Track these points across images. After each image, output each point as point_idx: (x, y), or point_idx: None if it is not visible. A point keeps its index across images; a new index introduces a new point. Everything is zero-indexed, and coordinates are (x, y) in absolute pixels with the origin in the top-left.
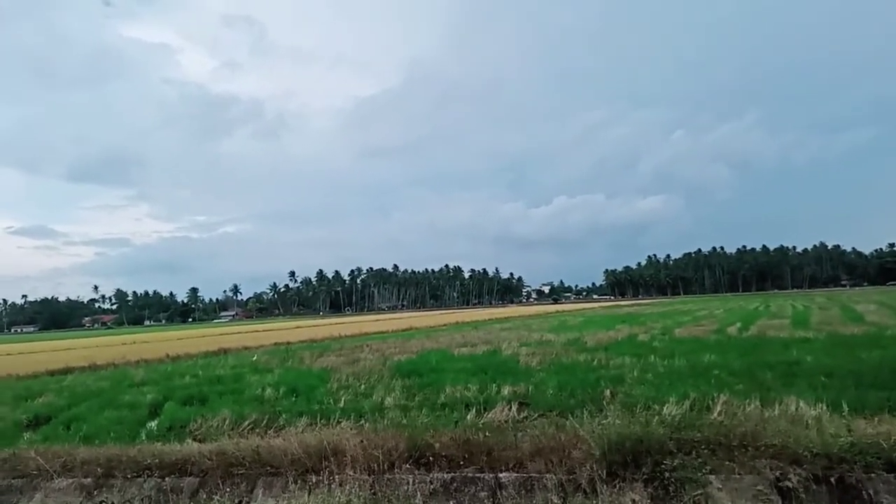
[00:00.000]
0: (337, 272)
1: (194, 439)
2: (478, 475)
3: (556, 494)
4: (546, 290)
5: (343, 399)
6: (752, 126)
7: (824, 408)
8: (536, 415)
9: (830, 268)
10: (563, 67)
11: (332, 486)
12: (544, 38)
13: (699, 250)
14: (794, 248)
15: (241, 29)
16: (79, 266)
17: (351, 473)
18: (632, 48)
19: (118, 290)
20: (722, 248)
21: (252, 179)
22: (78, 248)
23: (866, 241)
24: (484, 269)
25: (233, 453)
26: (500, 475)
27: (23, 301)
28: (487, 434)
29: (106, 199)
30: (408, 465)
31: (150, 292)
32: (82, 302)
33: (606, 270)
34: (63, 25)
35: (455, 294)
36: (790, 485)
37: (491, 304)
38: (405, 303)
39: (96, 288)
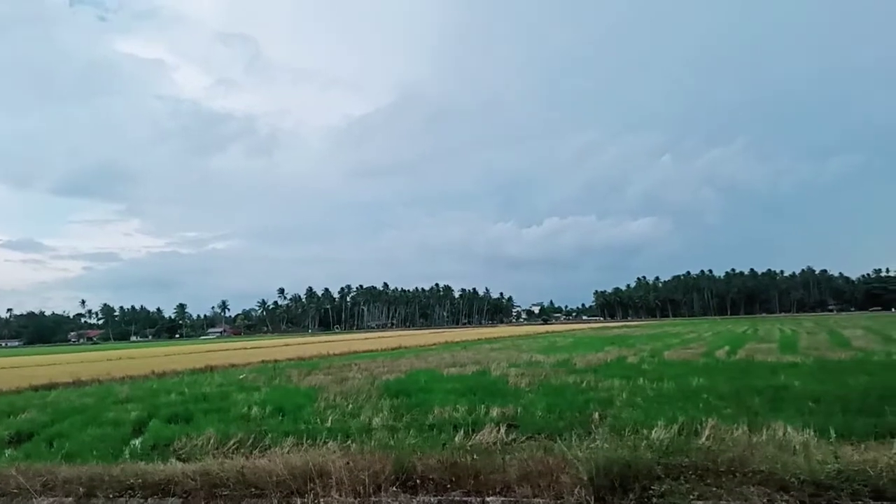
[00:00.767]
0: (327, 290)
1: (178, 458)
2: (465, 499)
3: None
4: (536, 310)
5: (330, 419)
6: (741, 151)
7: (812, 434)
8: (525, 437)
9: (818, 292)
10: (554, 89)
11: None
12: (537, 60)
13: (688, 273)
14: (782, 272)
15: (236, 46)
16: (66, 280)
17: (336, 496)
18: (623, 71)
19: (105, 304)
20: (711, 271)
21: (243, 196)
22: (66, 262)
23: (854, 266)
24: (474, 289)
25: (217, 474)
26: (488, 499)
27: (8, 315)
28: (475, 457)
29: (95, 213)
30: (394, 488)
31: (138, 307)
32: (68, 316)
33: (596, 292)
34: (57, 39)
35: (445, 313)
36: None
37: (481, 323)
38: (395, 321)
39: (83, 302)
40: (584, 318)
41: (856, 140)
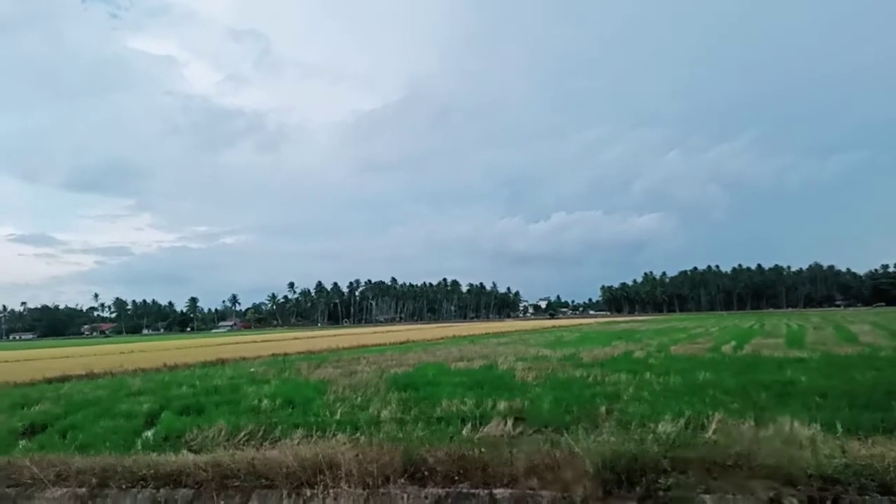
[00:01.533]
0: (336, 284)
1: (190, 450)
2: (472, 491)
3: None
4: (543, 305)
5: (339, 411)
6: (747, 147)
7: (818, 428)
8: (532, 430)
9: (825, 288)
10: (561, 86)
11: (327, 500)
12: (543, 57)
13: (695, 268)
14: (789, 267)
15: (246, 42)
16: (78, 274)
17: (346, 488)
18: (629, 68)
19: (117, 298)
20: (717, 266)
21: (253, 191)
22: (78, 256)
23: (861, 261)
24: (481, 284)
25: (228, 465)
26: (495, 491)
27: (22, 308)
28: (483, 450)
29: (107, 208)
30: (402, 480)
31: (149, 301)
32: (81, 310)
33: (603, 287)
34: (69, 36)
35: (452, 308)
36: None
37: (488, 318)
38: (403, 316)
39: (96, 296)
40: (591, 312)
41: (860, 136)
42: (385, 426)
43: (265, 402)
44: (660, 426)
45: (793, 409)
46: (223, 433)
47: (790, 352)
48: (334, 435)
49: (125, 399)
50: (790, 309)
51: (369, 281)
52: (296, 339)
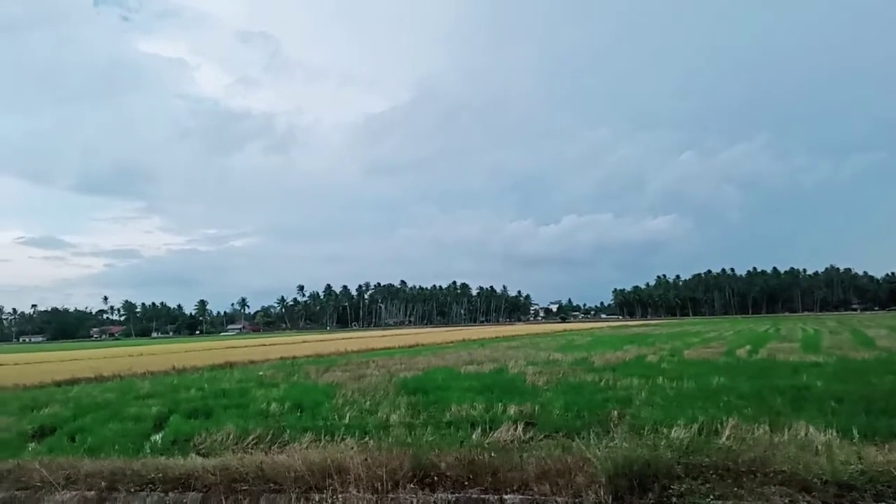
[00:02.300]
0: (345, 287)
1: (198, 453)
2: (483, 496)
3: None
4: (554, 308)
5: (348, 415)
6: (761, 148)
7: (834, 434)
8: (542, 435)
9: (841, 291)
10: (568, 86)
11: None
12: (550, 57)
13: (709, 271)
14: (805, 270)
15: (256, 45)
16: (88, 277)
17: (354, 492)
18: (637, 69)
19: (126, 301)
20: (732, 269)
21: (262, 193)
22: (87, 259)
23: (878, 264)
24: (491, 287)
25: (236, 469)
26: (506, 497)
27: (32, 311)
28: (493, 454)
29: (116, 211)
30: (412, 485)
31: (159, 304)
32: (91, 313)
33: (615, 290)
34: (81, 38)
35: (462, 311)
36: None
37: (498, 321)
38: (412, 319)
39: (105, 299)
40: (603, 316)
41: (877, 136)
42: (394, 430)
43: (274, 405)
44: (673, 431)
45: (808, 415)
46: (231, 437)
47: (806, 356)
48: (343, 439)
49: (134, 402)
50: (806, 313)
51: (378, 284)
52: (304, 342)
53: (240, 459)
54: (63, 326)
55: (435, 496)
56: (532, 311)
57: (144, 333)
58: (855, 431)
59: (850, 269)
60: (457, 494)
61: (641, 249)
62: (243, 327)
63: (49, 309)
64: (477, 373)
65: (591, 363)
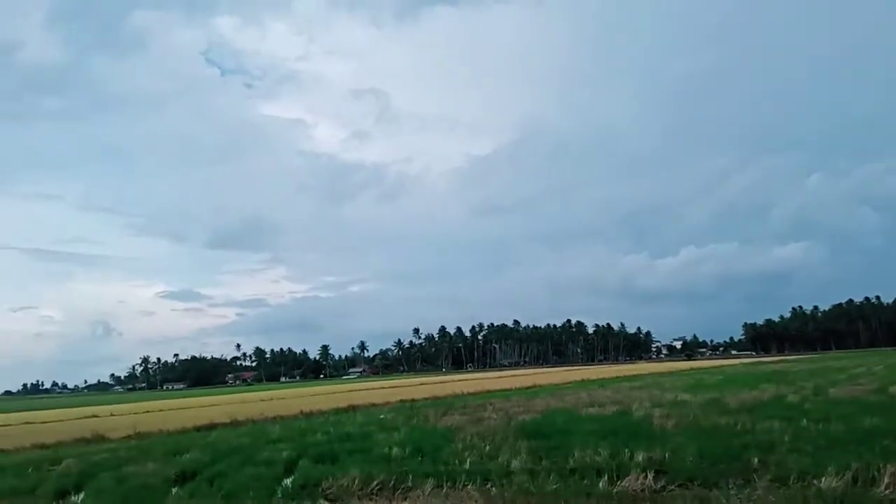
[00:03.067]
0: (459, 328)
1: (325, 498)
2: None
3: None
4: (678, 345)
5: (468, 460)
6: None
7: None
8: (675, 485)
9: None
10: (678, 115)
11: None
12: (657, 87)
13: (850, 300)
14: None
15: (367, 100)
16: (222, 326)
17: None
18: (753, 92)
19: (257, 347)
20: (878, 297)
21: (375, 240)
22: (221, 309)
23: None
24: (608, 324)
25: None
26: None
27: (174, 359)
28: None
29: (245, 263)
30: None
31: (286, 349)
32: (226, 359)
33: (745, 324)
34: (210, 106)
35: (579, 350)
36: None
37: (617, 360)
38: (527, 359)
39: (238, 346)
40: (734, 352)
41: None
42: (516, 477)
43: (395, 449)
44: (823, 481)
45: None
46: (356, 482)
47: None
48: (465, 485)
49: (266, 446)
50: None
51: (492, 324)
52: (422, 384)
53: None
54: (201, 373)
55: None
56: (654, 349)
57: (274, 378)
58: None
59: None
60: None
61: (772, 280)
62: (363, 370)
63: (189, 357)
64: (599, 415)
65: (725, 404)
